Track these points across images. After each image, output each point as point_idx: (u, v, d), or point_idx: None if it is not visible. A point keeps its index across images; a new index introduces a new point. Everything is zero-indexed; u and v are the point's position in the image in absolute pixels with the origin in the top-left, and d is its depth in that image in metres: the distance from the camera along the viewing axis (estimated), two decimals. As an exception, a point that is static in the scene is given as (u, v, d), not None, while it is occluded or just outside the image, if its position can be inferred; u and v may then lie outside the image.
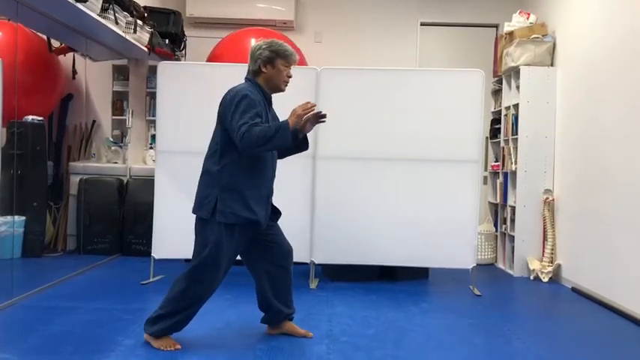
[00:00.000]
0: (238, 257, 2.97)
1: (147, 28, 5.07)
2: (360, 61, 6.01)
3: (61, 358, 2.71)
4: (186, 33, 5.91)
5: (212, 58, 5.66)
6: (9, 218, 4.65)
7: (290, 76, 2.92)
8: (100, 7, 4.21)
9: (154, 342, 2.87)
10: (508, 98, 5.53)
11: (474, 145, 4.34)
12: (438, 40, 6.55)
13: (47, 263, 5.07)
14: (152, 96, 5.95)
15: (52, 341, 2.93)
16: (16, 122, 4.69)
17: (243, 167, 2.79)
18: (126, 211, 5.44)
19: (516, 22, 5.36)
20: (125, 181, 5.60)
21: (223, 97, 2.82)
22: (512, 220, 5.28)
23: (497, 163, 5.84)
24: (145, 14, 5.09)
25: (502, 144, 5.66)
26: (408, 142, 4.35)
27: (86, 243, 5.35)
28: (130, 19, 4.75)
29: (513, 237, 5.21)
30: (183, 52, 5.92)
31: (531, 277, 4.97)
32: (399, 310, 3.79)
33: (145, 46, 5.09)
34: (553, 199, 5.00)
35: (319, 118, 2.83)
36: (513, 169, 5.27)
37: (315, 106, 2.77)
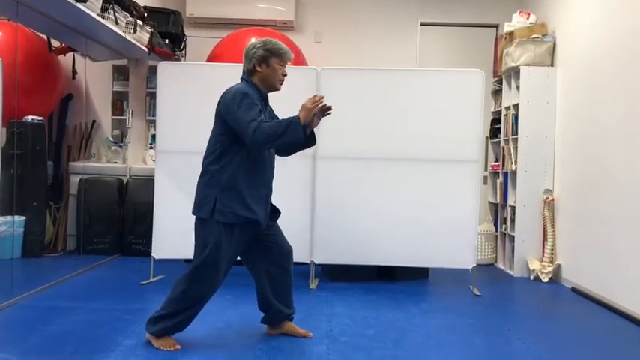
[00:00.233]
0: (238, 257, 2.97)
1: (147, 28, 5.07)
2: (360, 61, 6.01)
3: (61, 358, 2.71)
4: (186, 33, 5.91)
5: (212, 58, 5.66)
6: (9, 218, 4.65)
7: (285, 75, 2.91)
8: (100, 7, 4.21)
9: (155, 341, 2.87)
10: (508, 98, 5.53)
11: (474, 145, 4.34)
12: (438, 40, 6.55)
13: (47, 263, 5.07)
14: (152, 96, 5.95)
15: (52, 341, 2.93)
16: (16, 122, 4.69)
17: (242, 167, 2.79)
18: (126, 211, 5.44)
19: (516, 22, 5.36)
20: (125, 181, 5.60)
21: (221, 97, 2.82)
22: (512, 220, 5.28)
23: (497, 163, 5.84)
24: (145, 14, 5.09)
25: (502, 144, 5.66)
26: (408, 142, 4.35)
27: (86, 243, 5.35)
28: (130, 19, 4.75)
29: (513, 237, 5.21)
30: (183, 52, 5.92)
31: (531, 277, 4.97)
32: (399, 310, 3.79)
33: (145, 46, 5.09)
34: (553, 199, 5.00)
35: (325, 111, 2.75)
36: (513, 169, 5.27)
37: (323, 98, 2.72)
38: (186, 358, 2.76)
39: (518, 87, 5.26)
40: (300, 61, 5.63)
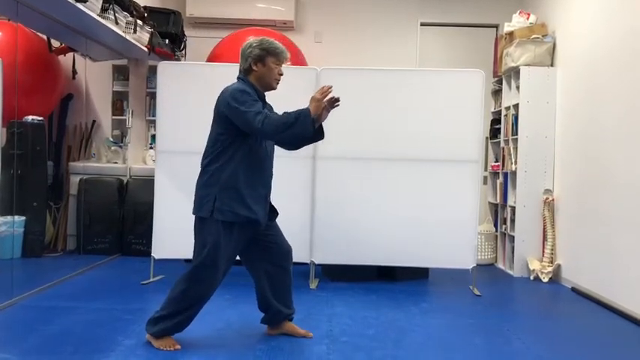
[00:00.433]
0: (238, 257, 2.97)
1: (147, 28, 5.07)
2: (360, 61, 6.01)
3: (61, 358, 2.71)
4: (186, 33, 5.91)
5: (212, 58, 5.66)
6: (9, 218, 4.65)
7: (281, 74, 2.91)
8: (100, 7, 4.21)
9: (154, 342, 2.87)
10: (508, 98, 5.53)
11: (474, 145, 4.34)
12: (438, 40, 6.55)
13: (47, 263, 5.07)
14: (152, 96, 5.95)
15: (52, 341, 2.93)
16: (16, 122, 4.69)
17: (241, 166, 2.79)
18: (126, 211, 5.44)
19: (516, 22, 5.36)
20: (125, 181, 5.60)
21: (220, 97, 2.82)
22: (512, 220, 5.28)
23: (497, 163, 5.84)
24: (145, 14, 5.09)
25: (502, 144, 5.66)
26: (408, 142, 4.35)
27: (86, 243, 5.35)
28: (130, 19, 4.75)
29: (513, 237, 5.21)
30: (183, 52, 5.92)
31: (531, 277, 4.97)
32: (399, 310, 3.79)
33: (145, 46, 5.09)
34: (553, 199, 5.00)
35: (334, 103, 2.73)
36: (513, 169, 5.27)
37: (331, 88, 2.69)
38: (186, 358, 2.76)
39: (518, 87, 5.26)
40: (300, 61, 5.63)
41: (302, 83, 4.27)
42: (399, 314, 3.67)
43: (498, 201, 5.71)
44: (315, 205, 4.36)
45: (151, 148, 5.79)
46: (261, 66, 2.85)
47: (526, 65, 5.14)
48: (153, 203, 4.37)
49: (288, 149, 3.01)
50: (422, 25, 6.46)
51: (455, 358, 2.93)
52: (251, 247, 2.96)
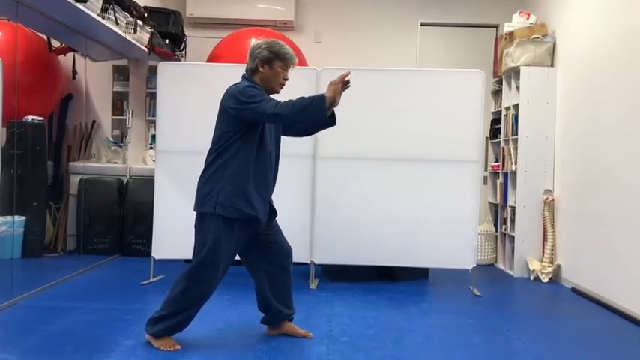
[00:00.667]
0: (238, 257, 2.97)
1: (147, 28, 5.07)
2: (360, 61, 6.01)
3: (61, 358, 2.71)
4: (186, 33, 5.91)
5: (212, 58, 5.66)
6: (9, 218, 4.65)
7: (286, 79, 2.91)
8: (100, 7, 4.21)
9: (154, 342, 2.87)
10: (508, 98, 5.53)
11: (474, 145, 4.34)
12: (438, 40, 6.55)
13: (47, 263, 5.07)
14: (152, 96, 5.95)
15: (52, 341, 2.93)
16: (16, 122, 4.69)
17: (244, 164, 2.79)
18: (126, 211, 5.44)
19: (516, 22, 5.37)
20: (125, 182, 5.60)
21: (226, 94, 2.81)
22: (512, 221, 5.28)
23: (497, 164, 5.84)
24: (145, 14, 5.09)
25: (502, 144, 5.66)
26: (408, 142, 4.35)
27: (86, 243, 5.35)
28: (130, 19, 4.75)
29: (513, 237, 5.21)
30: (184, 52, 5.92)
31: (531, 278, 4.97)
32: (398, 310, 3.79)
33: (145, 47, 5.09)
34: (553, 200, 5.00)
35: (345, 85, 2.72)
36: (513, 169, 5.27)
37: (349, 74, 2.70)
38: (186, 358, 2.76)
39: (518, 87, 5.26)
40: (300, 61, 5.62)
41: (302, 83, 4.25)
42: (398, 314, 3.67)
43: (498, 201, 5.72)
44: (315, 205, 4.36)
45: (151, 148, 5.79)
46: (267, 68, 2.85)
47: (526, 65, 5.14)
48: (153, 203, 4.37)
49: (301, 135, 3.07)
50: (422, 25, 6.46)
51: (455, 358, 2.93)
52: (251, 246, 2.95)
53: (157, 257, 4.34)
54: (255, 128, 2.80)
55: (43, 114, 5.39)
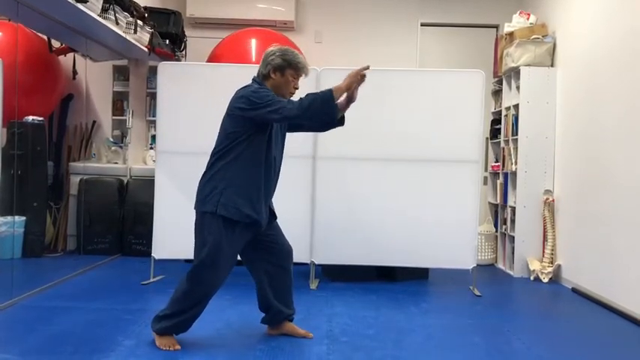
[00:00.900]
0: (238, 257, 2.97)
1: (147, 28, 5.08)
2: (360, 61, 5.89)
3: (61, 358, 2.71)
4: (186, 33, 5.91)
5: (212, 58, 5.66)
6: (9, 218, 4.65)
7: (297, 88, 2.92)
8: (100, 7, 4.21)
9: (157, 340, 2.88)
10: (508, 99, 5.53)
11: (474, 145, 4.34)
12: (438, 40, 6.55)
13: (47, 263, 5.08)
14: (152, 96, 5.96)
15: (52, 341, 2.93)
16: (17, 122, 4.69)
17: (248, 165, 2.79)
18: (126, 212, 5.44)
19: (516, 22, 5.37)
20: (125, 182, 5.60)
21: (238, 95, 2.81)
22: (513, 221, 5.28)
23: (497, 164, 5.84)
24: (146, 14, 5.09)
25: (502, 144, 5.66)
26: (408, 143, 4.35)
27: (86, 243, 5.35)
28: (131, 19, 4.76)
29: (513, 237, 5.21)
30: (184, 52, 5.93)
31: (531, 278, 4.97)
32: (398, 310, 3.79)
33: (146, 47, 5.09)
34: (553, 200, 5.00)
35: (362, 78, 2.77)
36: (513, 169, 5.28)
37: (369, 67, 2.75)
38: (186, 358, 2.76)
39: (518, 87, 5.26)
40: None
41: (302, 83, 4.25)
42: (398, 314, 3.67)
43: (498, 201, 5.72)
44: (315, 206, 4.36)
45: (151, 148, 5.80)
46: (279, 75, 2.86)
47: (526, 65, 5.14)
48: (153, 203, 4.37)
49: (313, 131, 3.14)
50: (422, 25, 6.46)
51: (455, 358, 2.93)
52: (252, 247, 2.95)
53: (157, 257, 4.34)
54: (263, 131, 2.80)
55: (44, 114, 5.40)
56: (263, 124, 2.79)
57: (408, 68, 5.79)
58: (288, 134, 3.05)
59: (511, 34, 5.34)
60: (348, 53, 6.29)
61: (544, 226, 5.02)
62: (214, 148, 2.87)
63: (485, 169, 6.03)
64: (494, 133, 5.90)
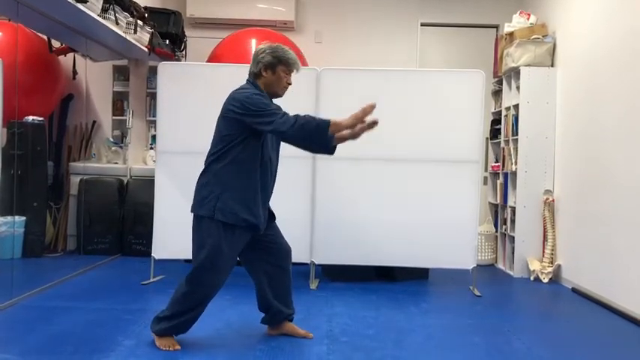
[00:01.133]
0: (237, 258, 2.97)
1: (147, 28, 5.08)
2: (360, 61, 6.01)
3: (61, 358, 2.71)
4: (186, 33, 5.91)
5: (212, 58, 5.66)
6: (9, 218, 4.65)
7: (290, 83, 2.91)
8: (100, 7, 4.21)
9: (156, 340, 2.89)
10: (508, 99, 5.53)
11: (474, 145, 4.34)
12: (438, 40, 6.55)
13: (47, 263, 5.07)
14: (152, 96, 5.96)
15: (52, 341, 2.94)
16: (17, 122, 4.69)
17: (244, 168, 2.78)
18: (126, 212, 5.44)
19: (516, 22, 5.37)
20: (125, 182, 5.60)
21: (231, 98, 2.79)
22: (513, 221, 5.28)
23: (497, 164, 5.84)
24: (146, 14, 5.09)
25: (502, 144, 5.66)
26: (408, 143, 4.35)
27: (86, 243, 5.35)
28: (131, 19, 4.76)
29: (513, 237, 5.21)
30: (184, 52, 5.93)
31: (531, 278, 4.97)
32: (399, 310, 3.79)
33: (146, 47, 5.09)
34: (553, 200, 5.00)
35: (372, 125, 2.58)
36: (513, 169, 5.27)
37: (374, 107, 2.57)
38: (186, 358, 2.76)
39: (518, 87, 5.27)
40: (300, 61, 5.62)
41: (302, 83, 4.27)
42: (398, 314, 3.67)
43: (498, 201, 5.72)
44: (315, 206, 4.36)
45: (152, 148, 5.80)
46: (270, 73, 2.85)
47: (526, 65, 5.15)
48: (153, 203, 4.37)
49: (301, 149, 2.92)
50: (422, 25, 6.46)
51: (455, 358, 2.93)
52: (251, 247, 2.94)
53: (157, 257, 4.34)
54: (258, 133, 2.78)
55: (44, 114, 5.40)
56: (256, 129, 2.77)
57: (408, 68, 5.80)
58: None
59: (511, 34, 5.34)
60: (348, 53, 6.30)
61: (544, 226, 5.02)
62: (210, 150, 2.86)
63: (486, 169, 6.03)
64: (495, 133, 5.90)
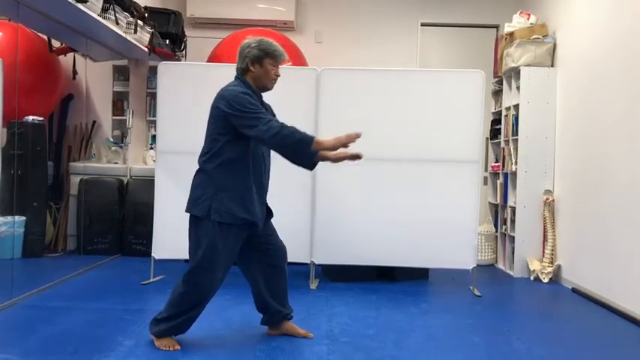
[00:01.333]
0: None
1: (147, 28, 5.08)
2: (360, 61, 6.02)
3: (61, 358, 2.71)
4: (186, 33, 5.91)
5: (212, 58, 5.66)
6: (9, 218, 4.65)
7: (278, 75, 2.91)
8: (100, 7, 4.21)
9: (155, 341, 2.88)
10: (508, 99, 5.53)
11: (474, 145, 4.34)
12: (438, 40, 6.55)
13: (47, 263, 5.07)
14: (152, 96, 5.96)
15: (52, 341, 2.94)
16: (17, 122, 4.69)
17: (238, 166, 2.78)
18: (126, 212, 5.44)
19: (517, 22, 5.37)
20: (125, 182, 5.60)
21: (219, 97, 2.79)
22: (513, 221, 5.28)
23: (497, 164, 5.84)
24: (146, 14, 5.09)
25: (502, 144, 5.66)
26: (408, 143, 4.35)
27: (86, 243, 5.35)
28: (131, 19, 4.76)
29: (513, 237, 5.21)
30: (184, 52, 5.93)
31: (531, 278, 4.97)
32: (399, 310, 3.79)
33: (146, 47, 5.09)
34: (553, 200, 5.00)
35: (355, 156, 2.73)
36: (513, 169, 5.27)
37: (359, 136, 2.68)
38: (186, 358, 2.76)
39: (518, 87, 5.27)
40: (300, 61, 5.63)
41: (302, 84, 4.29)
42: (398, 314, 3.67)
43: (498, 201, 5.72)
44: (315, 206, 4.36)
45: (152, 148, 5.80)
46: (258, 67, 2.85)
47: (526, 66, 5.15)
48: (153, 203, 4.37)
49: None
50: (422, 25, 6.46)
51: (455, 358, 2.93)
52: (247, 248, 2.94)
53: (157, 257, 4.34)
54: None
55: (44, 114, 5.40)
56: None
57: (408, 68, 5.80)
58: None
59: (511, 34, 5.34)
60: (348, 53, 6.30)
61: (544, 226, 5.02)
62: (202, 150, 2.86)
63: (486, 169, 6.03)
64: (495, 133, 5.90)
